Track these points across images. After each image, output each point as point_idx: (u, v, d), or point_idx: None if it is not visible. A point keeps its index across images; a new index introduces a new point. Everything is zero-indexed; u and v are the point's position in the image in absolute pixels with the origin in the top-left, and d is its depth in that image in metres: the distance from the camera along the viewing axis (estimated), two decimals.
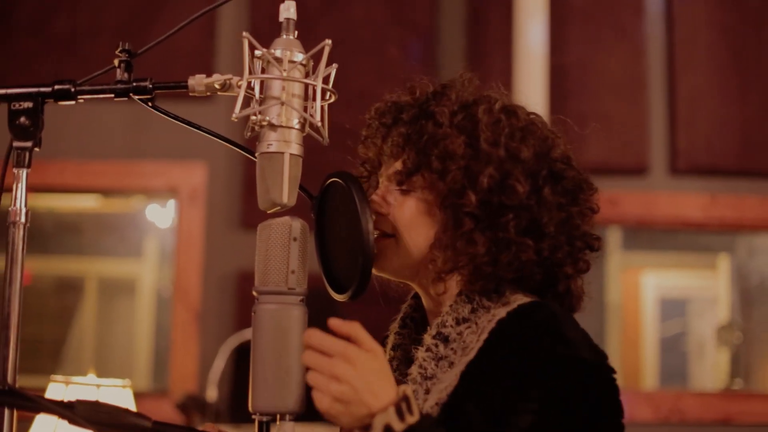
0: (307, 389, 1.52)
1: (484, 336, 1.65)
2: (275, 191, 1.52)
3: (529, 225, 1.69)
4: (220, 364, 4.24)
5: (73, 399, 1.45)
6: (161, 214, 5.69)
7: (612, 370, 1.64)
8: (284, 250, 1.53)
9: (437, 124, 1.72)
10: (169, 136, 4.74)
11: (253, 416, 1.52)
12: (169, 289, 5.03)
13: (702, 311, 7.22)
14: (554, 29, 4.69)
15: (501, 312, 1.67)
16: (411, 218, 1.73)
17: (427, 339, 1.70)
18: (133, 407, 2.60)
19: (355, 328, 1.48)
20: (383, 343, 1.89)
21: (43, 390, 2.57)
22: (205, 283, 4.77)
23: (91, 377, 2.66)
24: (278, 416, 1.52)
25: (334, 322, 1.47)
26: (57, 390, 2.54)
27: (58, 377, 2.57)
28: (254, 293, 1.53)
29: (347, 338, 1.48)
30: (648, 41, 5.02)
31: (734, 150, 4.95)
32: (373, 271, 1.78)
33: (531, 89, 4.41)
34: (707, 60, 5.00)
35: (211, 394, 4.21)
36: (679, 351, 7.20)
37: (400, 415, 1.45)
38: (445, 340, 1.68)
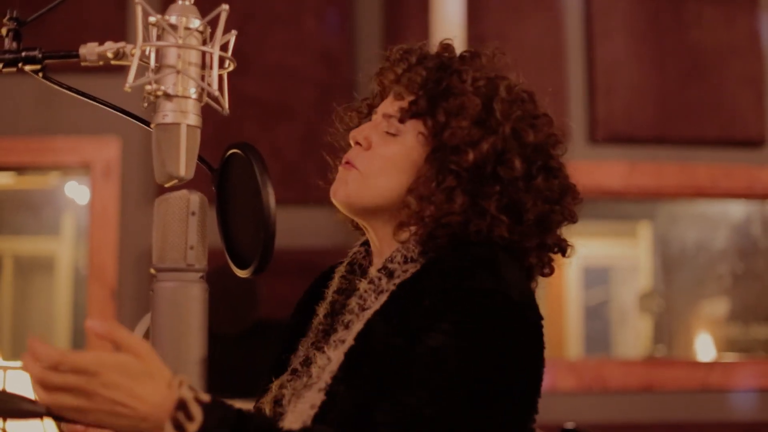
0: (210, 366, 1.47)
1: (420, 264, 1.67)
2: (172, 164, 1.47)
3: (510, 204, 1.69)
4: None
5: None
6: (79, 191, 5.59)
7: (538, 317, 1.63)
8: (182, 224, 1.48)
9: (460, 80, 1.73)
10: (81, 111, 4.63)
11: None
12: (86, 267, 4.94)
13: (624, 279, 7.28)
14: None
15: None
16: (389, 159, 1.74)
17: (372, 271, 1.73)
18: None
19: (115, 332, 1.35)
20: (320, 285, 1.86)
21: None
22: (121, 261, 4.69)
23: None
24: None
25: (91, 323, 1.34)
26: None
27: None
28: (152, 271, 1.48)
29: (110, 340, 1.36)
30: (566, 10, 5.01)
31: (653, 118, 4.96)
32: (336, 199, 1.76)
33: None
34: (625, 29, 5.00)
35: None
36: (603, 319, 7.26)
37: (179, 428, 1.33)
38: (390, 275, 1.68)
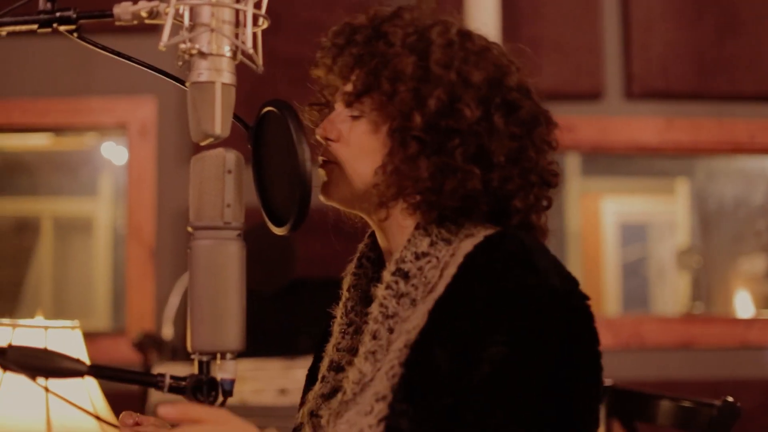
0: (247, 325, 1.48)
1: (451, 270, 1.61)
2: (207, 122, 1.47)
3: (477, 152, 1.64)
4: (175, 301, 4.19)
5: (4, 345, 1.41)
6: (116, 151, 5.62)
7: (584, 297, 1.61)
8: (219, 183, 1.48)
9: (388, 43, 1.67)
10: (117, 71, 4.65)
11: (192, 356, 1.48)
12: (124, 227, 4.98)
13: (662, 236, 7.26)
14: None
15: (467, 245, 1.63)
16: (360, 143, 1.69)
17: (387, 276, 1.66)
18: (82, 349, 2.56)
19: (188, 411, 1.39)
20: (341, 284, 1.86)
21: None
22: (159, 220, 4.72)
23: (39, 319, 2.61)
24: (218, 355, 1.48)
25: (164, 410, 1.36)
26: (4, 333, 2.48)
27: (5, 320, 2.52)
28: (189, 229, 1.48)
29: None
30: None
31: (689, 74, 4.92)
32: (323, 199, 1.74)
33: (483, 15, 4.35)
34: None
35: (167, 331, 4.17)
36: (641, 276, 7.24)
37: None
38: (405, 276, 1.63)
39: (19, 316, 2.56)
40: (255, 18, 1.50)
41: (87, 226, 6.56)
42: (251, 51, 1.48)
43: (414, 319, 1.59)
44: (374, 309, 1.65)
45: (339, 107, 1.75)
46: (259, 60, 1.52)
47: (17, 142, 5.80)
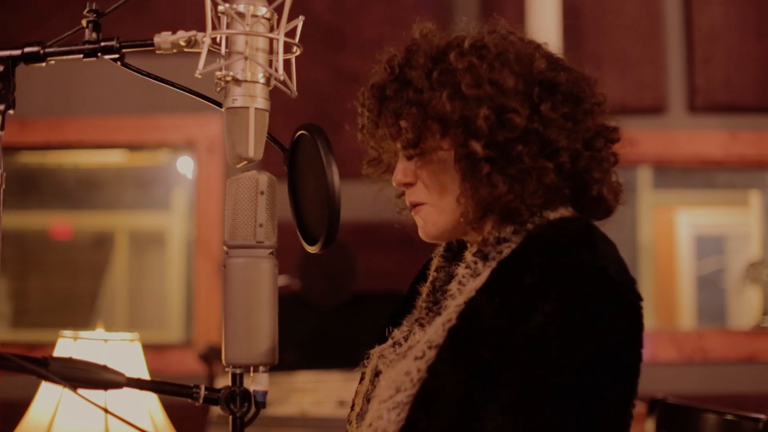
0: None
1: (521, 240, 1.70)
2: (241, 146, 1.54)
3: (542, 146, 1.69)
4: None
5: (45, 357, 1.47)
6: (190, 166, 5.72)
7: (638, 296, 1.64)
8: (251, 203, 1.55)
9: (417, 90, 1.72)
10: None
11: (226, 369, 1.54)
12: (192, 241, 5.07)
13: (740, 248, 7.18)
14: None
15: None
16: (436, 181, 1.76)
17: (468, 256, 1.75)
18: (141, 361, 2.63)
19: None
20: (426, 267, 1.93)
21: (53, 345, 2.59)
22: None
23: (100, 332, 2.68)
24: (251, 368, 1.54)
25: None
26: (65, 345, 2.56)
27: (67, 332, 2.59)
28: (224, 248, 1.55)
29: None
30: None
31: (753, 86, 4.90)
32: (425, 239, 1.81)
33: (545, 30, 4.35)
34: None
35: None
36: (718, 289, 7.17)
37: None
38: (485, 257, 1.71)
39: (95, 327, 2.64)
40: (288, 45, 1.56)
41: (161, 239, 6.66)
42: (282, 78, 1.54)
43: (480, 280, 1.68)
44: (452, 286, 1.74)
45: (402, 155, 1.81)
46: (293, 85, 1.58)
47: (93, 158, 5.93)
